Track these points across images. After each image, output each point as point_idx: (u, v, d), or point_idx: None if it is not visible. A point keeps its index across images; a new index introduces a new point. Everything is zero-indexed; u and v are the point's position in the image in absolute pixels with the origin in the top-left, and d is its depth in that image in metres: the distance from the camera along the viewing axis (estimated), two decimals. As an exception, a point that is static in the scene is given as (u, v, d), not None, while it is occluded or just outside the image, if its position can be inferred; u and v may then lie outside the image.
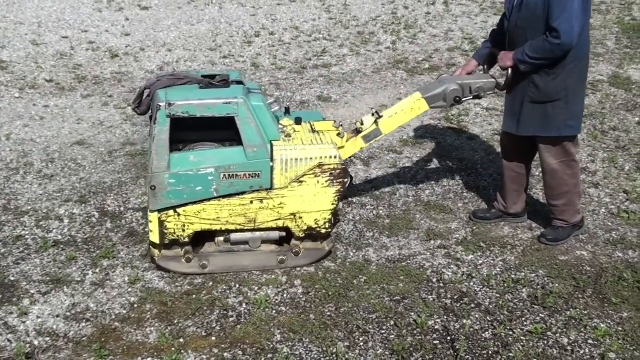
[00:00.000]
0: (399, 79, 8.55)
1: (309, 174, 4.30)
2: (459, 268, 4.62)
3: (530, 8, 4.39)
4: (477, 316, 4.15)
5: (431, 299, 4.31)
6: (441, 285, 4.45)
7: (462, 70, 4.98)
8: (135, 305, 4.22)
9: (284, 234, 4.54)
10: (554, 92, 4.50)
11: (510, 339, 3.96)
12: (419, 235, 5.01)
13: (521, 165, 5.00)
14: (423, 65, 9.12)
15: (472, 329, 4.04)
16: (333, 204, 4.44)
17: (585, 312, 4.20)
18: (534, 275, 4.56)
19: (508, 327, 4.05)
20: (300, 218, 4.43)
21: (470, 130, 7.01)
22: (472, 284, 4.47)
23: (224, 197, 4.27)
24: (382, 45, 10.00)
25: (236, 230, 4.46)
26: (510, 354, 3.83)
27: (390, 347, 3.87)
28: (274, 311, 4.17)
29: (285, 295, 4.32)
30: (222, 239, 4.53)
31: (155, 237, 4.35)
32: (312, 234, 4.54)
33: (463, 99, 4.70)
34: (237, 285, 4.39)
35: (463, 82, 4.69)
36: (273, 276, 4.49)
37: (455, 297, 4.33)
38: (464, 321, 4.09)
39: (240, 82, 4.41)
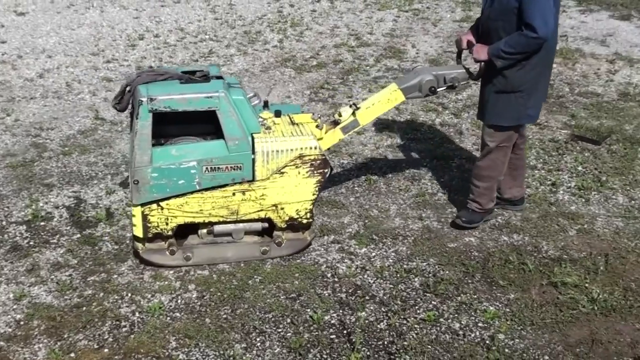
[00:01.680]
0: (287, 77, 8.56)
1: (290, 165, 4.37)
2: (353, 262, 4.68)
3: (502, 2, 4.50)
4: (371, 308, 4.21)
5: (326, 294, 4.34)
6: (336, 279, 4.49)
7: (465, 36, 4.97)
8: (22, 322, 4.06)
9: (266, 225, 4.62)
10: (518, 82, 4.62)
11: (404, 327, 4.03)
12: (313, 231, 5.03)
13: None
14: (311, 62, 9.17)
15: (367, 321, 4.09)
16: (314, 194, 4.52)
17: (475, 297, 4.32)
18: (425, 264, 4.66)
19: (402, 317, 4.12)
20: (282, 209, 4.51)
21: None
22: (365, 276, 4.53)
23: (206, 189, 4.34)
24: (269, 44, 9.99)
25: (219, 222, 4.52)
26: (405, 343, 3.90)
27: (288, 345, 3.88)
28: (169, 318, 4.11)
29: (179, 301, 4.26)
30: (205, 231, 4.60)
31: (138, 231, 4.39)
32: (293, 225, 4.61)
33: (438, 89, 4.80)
34: (129, 294, 4.30)
35: (437, 72, 4.79)
36: (166, 282, 4.42)
37: (350, 291, 4.38)
38: (359, 314, 4.14)
39: (219, 77, 4.44)
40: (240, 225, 4.58)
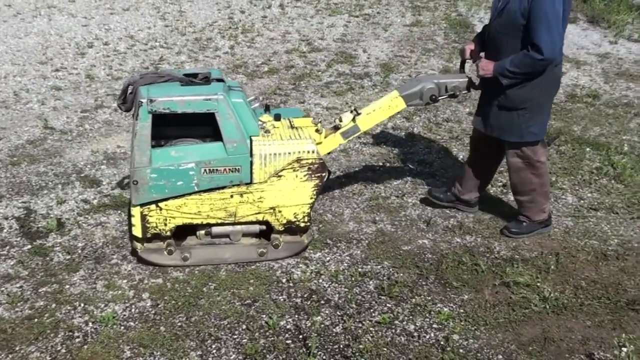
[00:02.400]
0: (239, 83, 8.53)
1: (288, 169, 4.40)
2: (308, 266, 4.68)
3: (510, 16, 4.43)
4: (327, 312, 4.22)
5: (282, 300, 4.33)
6: (291, 284, 4.49)
7: (469, 46, 4.94)
8: (-29, 336, 3.98)
9: (264, 227, 4.64)
10: (519, 100, 4.57)
11: (359, 330, 4.05)
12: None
13: (486, 156, 5.13)
14: (262, 68, 9.16)
15: (322, 325, 4.09)
16: (312, 198, 4.53)
17: (429, 298, 4.36)
18: (379, 267, 4.68)
19: (357, 320, 4.14)
20: (280, 212, 4.53)
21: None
22: (320, 280, 4.53)
23: (204, 191, 4.38)
24: (220, 51, 9.96)
25: (217, 224, 4.55)
26: (361, 346, 3.91)
27: (243, 352, 3.86)
28: (122, 327, 4.06)
29: (133, 310, 4.21)
30: (203, 232, 4.64)
31: (137, 231, 4.44)
32: (291, 228, 4.62)
33: (439, 98, 4.78)
34: (82, 305, 4.24)
35: (439, 81, 4.77)
36: (119, 292, 4.37)
37: (305, 295, 4.38)
38: (315, 318, 4.14)
39: (220, 80, 4.47)
40: (238, 227, 4.61)
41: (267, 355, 3.85)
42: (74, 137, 6.80)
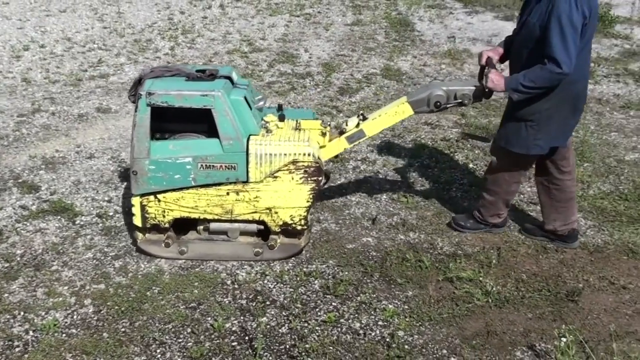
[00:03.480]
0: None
1: (284, 170, 4.39)
2: (252, 267, 4.66)
3: (529, 29, 4.30)
4: (272, 312, 4.21)
5: (227, 302, 4.31)
6: (236, 286, 4.46)
7: (487, 52, 4.72)
8: None
9: (262, 227, 4.65)
10: (527, 112, 4.43)
11: (305, 330, 4.05)
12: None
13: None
14: (203, 69, 9.08)
15: (268, 326, 4.08)
16: (308, 201, 4.49)
17: (374, 295, 4.38)
18: (324, 266, 4.69)
19: (303, 319, 4.14)
20: (276, 213, 4.53)
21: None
22: (266, 281, 4.52)
23: (201, 186, 4.43)
24: (160, 52, 9.86)
25: (216, 220, 4.59)
26: (307, 345, 3.91)
27: (189, 355, 3.83)
28: (64, 334, 3.98)
29: (75, 317, 4.13)
30: (202, 227, 4.71)
31: (137, 221, 4.56)
32: (288, 230, 4.62)
33: (447, 105, 4.61)
34: (22, 313, 4.14)
35: (449, 88, 4.58)
36: (60, 299, 4.29)
37: (251, 297, 4.36)
38: (260, 319, 4.13)
39: (228, 77, 4.49)
40: (236, 225, 4.64)
41: (213, 358, 3.82)
42: (10, 142, 6.64)
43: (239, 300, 4.32)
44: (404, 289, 4.46)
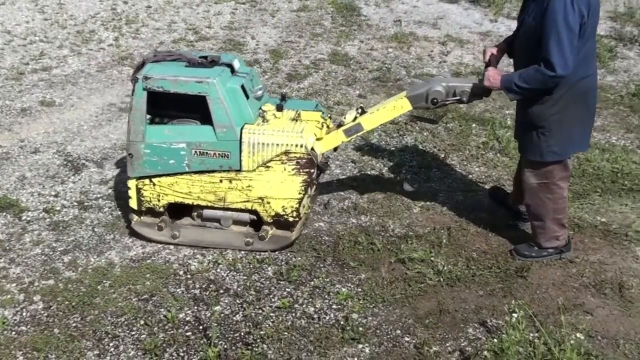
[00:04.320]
0: (126, 75, 8.34)
1: (276, 160, 4.39)
2: (205, 257, 4.64)
3: (527, 29, 4.23)
4: (226, 301, 4.20)
5: (180, 292, 4.28)
6: (188, 276, 4.44)
7: (490, 49, 4.66)
8: None
9: (254, 217, 4.66)
10: (537, 119, 4.28)
11: (260, 317, 4.05)
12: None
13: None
14: (149, 59, 8.96)
15: (222, 314, 4.07)
16: (300, 193, 4.47)
17: (328, 280, 4.40)
18: (277, 252, 4.68)
19: (257, 307, 4.14)
20: (268, 203, 4.53)
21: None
22: (218, 270, 4.50)
23: (195, 172, 4.47)
24: (104, 43, 9.68)
25: (209, 207, 4.63)
26: (262, 332, 3.91)
27: (142, 347, 3.80)
28: (14, 332, 3.92)
29: (24, 314, 4.07)
30: (195, 213, 4.76)
31: (133, 203, 4.67)
32: (280, 221, 4.60)
33: (445, 102, 4.52)
34: (-31, 312, 4.07)
35: (449, 84, 4.48)
36: (8, 296, 4.21)
37: (204, 286, 4.34)
38: (214, 308, 4.12)
39: (228, 65, 4.51)
40: (229, 213, 4.65)
41: (167, 349, 3.80)
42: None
43: (192, 290, 4.30)
44: (357, 272, 4.48)
